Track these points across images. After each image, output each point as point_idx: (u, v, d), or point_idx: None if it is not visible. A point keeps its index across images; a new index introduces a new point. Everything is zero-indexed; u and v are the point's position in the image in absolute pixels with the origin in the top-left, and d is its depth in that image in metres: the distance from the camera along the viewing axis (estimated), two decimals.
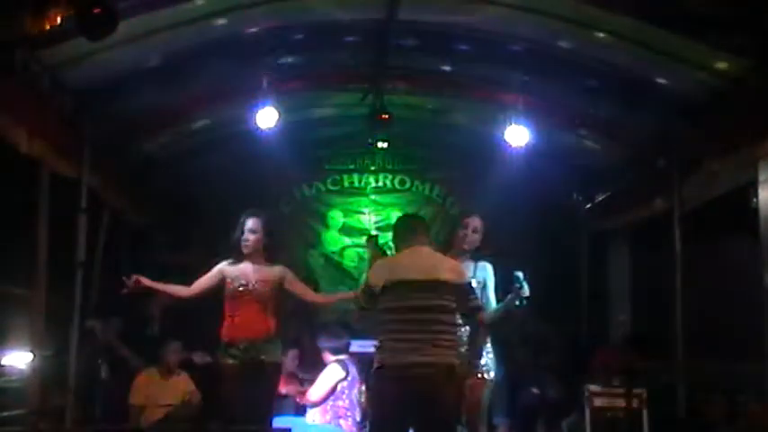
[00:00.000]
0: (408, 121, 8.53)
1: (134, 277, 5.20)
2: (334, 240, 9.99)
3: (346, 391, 6.23)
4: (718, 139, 6.14)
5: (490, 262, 5.16)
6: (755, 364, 5.68)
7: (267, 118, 7.14)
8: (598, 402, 6.71)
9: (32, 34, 5.08)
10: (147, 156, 8.16)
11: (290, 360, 6.66)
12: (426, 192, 10.02)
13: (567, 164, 9.11)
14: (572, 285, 9.25)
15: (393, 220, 9.07)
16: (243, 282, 5.25)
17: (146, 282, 5.24)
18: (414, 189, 10.05)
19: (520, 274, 4.84)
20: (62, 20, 4.95)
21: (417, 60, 7.33)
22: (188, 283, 5.41)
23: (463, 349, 4.69)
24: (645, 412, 6.56)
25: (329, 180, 10.04)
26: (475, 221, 5.16)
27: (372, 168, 10.06)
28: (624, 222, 8.56)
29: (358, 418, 6.26)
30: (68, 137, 6.39)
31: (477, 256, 5.12)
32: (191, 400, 6.71)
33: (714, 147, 6.20)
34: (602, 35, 6.09)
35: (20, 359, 6.14)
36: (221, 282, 5.30)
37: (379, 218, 9.98)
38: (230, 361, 5.20)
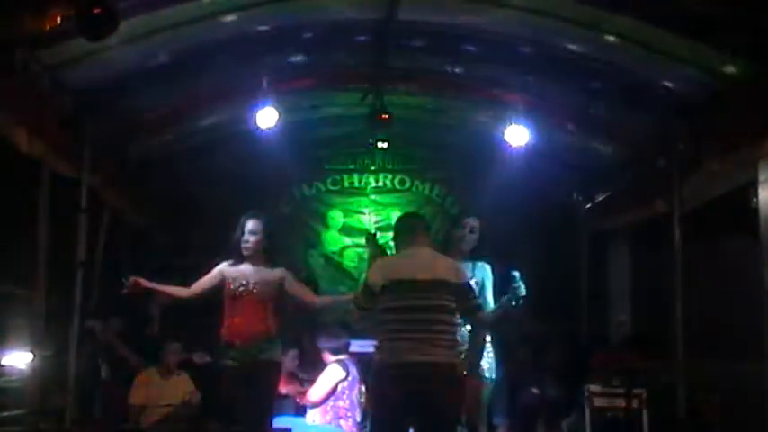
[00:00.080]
0: (408, 121, 8.53)
1: (133, 278, 5.19)
2: (334, 240, 9.99)
3: (346, 392, 6.23)
4: (718, 139, 6.13)
5: (488, 262, 5.16)
6: (755, 364, 5.68)
7: (267, 118, 7.15)
8: (598, 402, 6.71)
9: (32, 34, 5.10)
10: (147, 156, 8.16)
11: (290, 360, 6.66)
12: (426, 192, 10.02)
13: (566, 164, 9.11)
14: (572, 285, 9.25)
15: (393, 220, 9.11)
16: (243, 283, 5.25)
17: (145, 283, 5.23)
18: (414, 189, 10.06)
19: (516, 274, 4.85)
20: (62, 20, 4.96)
21: (417, 60, 7.33)
22: (188, 283, 5.40)
23: (463, 349, 4.69)
24: (645, 412, 6.56)
25: (329, 180, 10.04)
26: (472, 222, 5.18)
27: (372, 168, 10.07)
28: (624, 222, 8.56)
29: (358, 419, 6.26)
30: (68, 137, 6.39)
31: (475, 256, 5.12)
32: (191, 400, 6.70)
33: (714, 147, 6.19)
34: (601, 35, 6.09)
35: (20, 359, 6.15)
36: (221, 283, 5.29)
37: (379, 218, 9.99)
38: (230, 362, 5.19)
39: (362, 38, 6.87)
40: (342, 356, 6.33)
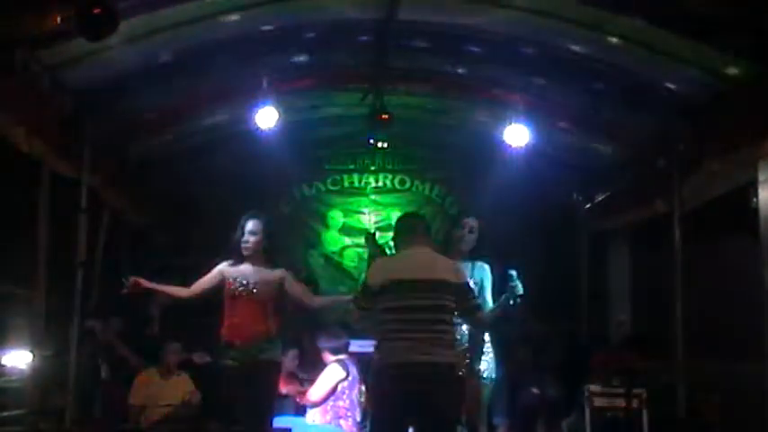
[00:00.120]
0: (408, 121, 8.53)
1: (132, 279, 5.19)
2: (334, 240, 9.99)
3: (347, 392, 6.23)
4: (718, 139, 6.13)
5: (488, 262, 5.16)
6: (755, 364, 5.68)
7: (267, 118, 7.15)
8: (598, 402, 6.71)
9: (32, 34, 5.10)
10: (147, 156, 8.16)
11: (290, 360, 6.66)
12: (426, 192, 10.02)
13: (566, 164, 9.11)
14: (572, 285, 9.25)
15: (393, 220, 9.11)
16: (243, 283, 5.25)
17: (144, 283, 5.23)
18: (414, 189, 10.05)
19: (513, 273, 4.86)
20: (62, 20, 4.96)
21: (417, 60, 7.33)
22: (188, 283, 5.41)
23: (463, 349, 4.69)
24: (645, 412, 6.55)
25: (329, 180, 10.04)
26: (471, 221, 5.18)
27: (372, 168, 10.06)
28: (624, 222, 8.56)
29: (358, 419, 6.26)
30: (68, 137, 6.38)
31: (474, 256, 5.12)
32: (191, 400, 6.70)
33: (714, 147, 6.19)
34: (603, 36, 6.09)
35: (20, 359, 6.15)
36: (221, 283, 5.29)
37: (379, 218, 9.98)
38: (230, 362, 5.19)
39: (362, 38, 6.86)
40: (342, 356, 6.33)
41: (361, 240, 9.37)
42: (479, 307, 4.59)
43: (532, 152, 7.92)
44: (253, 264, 5.32)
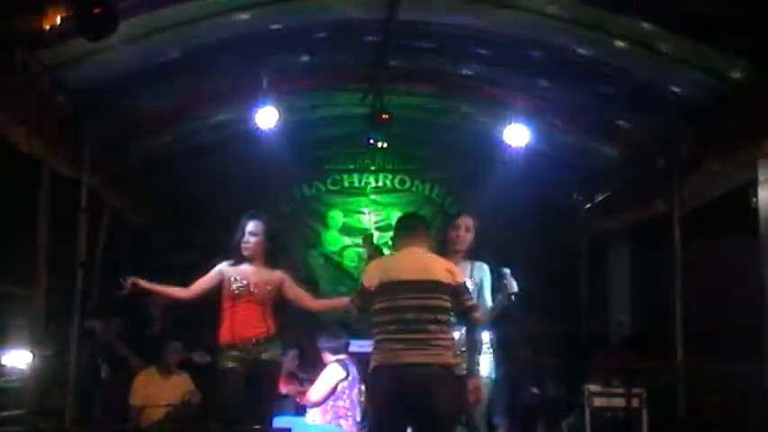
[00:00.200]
0: (408, 121, 8.53)
1: (131, 279, 5.19)
2: (334, 240, 9.99)
3: (347, 392, 6.23)
4: (718, 139, 6.13)
5: (487, 262, 5.15)
6: (755, 364, 5.69)
7: (267, 118, 7.14)
8: (598, 402, 6.70)
9: (32, 34, 5.09)
10: (147, 156, 8.16)
11: (290, 360, 6.66)
12: (426, 192, 10.02)
13: (567, 164, 9.11)
14: (572, 285, 9.25)
15: (393, 220, 9.12)
16: (243, 283, 5.25)
17: (143, 283, 5.24)
18: (414, 189, 10.05)
19: (507, 271, 4.85)
20: (62, 20, 4.96)
21: (417, 60, 7.33)
22: (188, 283, 5.41)
23: (461, 350, 4.67)
24: (645, 412, 6.55)
25: (329, 180, 10.04)
26: (467, 220, 5.12)
27: (372, 168, 10.06)
28: (624, 222, 8.55)
29: (358, 419, 6.26)
30: (68, 137, 6.39)
31: (473, 256, 5.10)
32: (191, 400, 6.70)
33: (714, 147, 6.20)
34: (603, 37, 6.09)
35: (20, 359, 6.15)
36: (221, 282, 5.29)
37: (379, 218, 9.98)
38: (230, 364, 5.18)
39: (363, 38, 6.86)
40: (342, 356, 6.33)
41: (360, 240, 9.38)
42: (476, 307, 4.58)
43: (532, 152, 7.92)
44: (253, 264, 5.32)
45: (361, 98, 7.60)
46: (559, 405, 7.46)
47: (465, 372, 4.58)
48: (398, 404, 4.28)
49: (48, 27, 5.01)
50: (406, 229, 4.69)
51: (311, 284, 7.70)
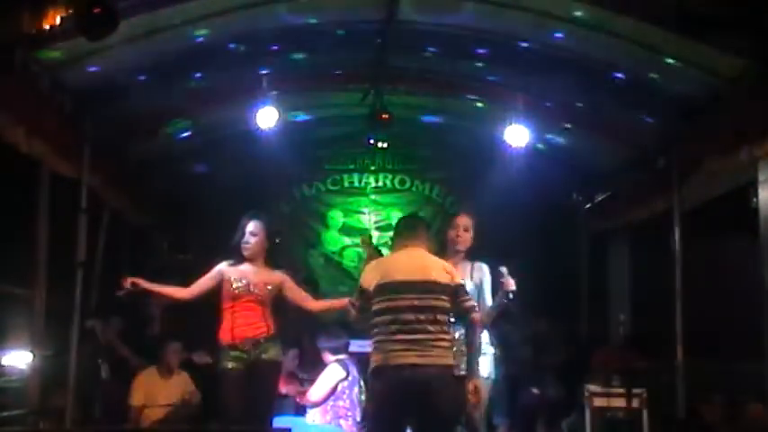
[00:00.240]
0: (408, 121, 8.53)
1: (130, 279, 5.19)
2: (333, 240, 9.99)
3: (347, 392, 6.23)
4: (718, 139, 6.13)
5: (487, 262, 5.14)
6: (755, 364, 5.69)
7: (267, 118, 7.14)
8: (598, 402, 6.70)
9: (32, 34, 5.09)
10: (147, 156, 8.16)
11: (290, 360, 6.66)
12: (426, 192, 10.02)
13: (567, 164, 9.11)
14: (572, 285, 9.26)
15: (393, 220, 9.13)
16: (243, 282, 5.25)
17: (142, 283, 5.23)
18: (414, 189, 10.05)
19: (504, 269, 4.85)
20: (62, 20, 4.96)
21: (417, 60, 7.33)
22: (187, 283, 5.41)
23: (460, 350, 4.67)
24: (645, 412, 6.55)
25: (329, 180, 10.04)
26: (464, 220, 5.09)
27: (372, 168, 10.06)
28: (624, 222, 8.56)
29: (358, 419, 6.26)
30: (68, 137, 6.38)
31: (473, 256, 5.09)
32: (191, 400, 6.70)
33: (714, 147, 6.19)
34: (602, 35, 6.10)
35: (20, 359, 6.15)
36: (220, 282, 5.29)
37: (379, 218, 9.99)
38: (230, 364, 5.18)
39: (362, 38, 6.86)
40: (342, 356, 6.32)
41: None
42: (474, 308, 4.57)
43: (532, 152, 7.92)
44: (253, 264, 5.32)
45: (361, 98, 7.60)
46: (559, 405, 7.46)
47: (464, 372, 4.58)
48: (398, 405, 4.28)
49: (48, 27, 5.00)
50: (406, 230, 4.69)
51: (311, 284, 7.70)
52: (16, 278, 6.12)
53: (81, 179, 6.70)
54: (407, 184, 10.07)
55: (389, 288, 4.36)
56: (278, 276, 5.36)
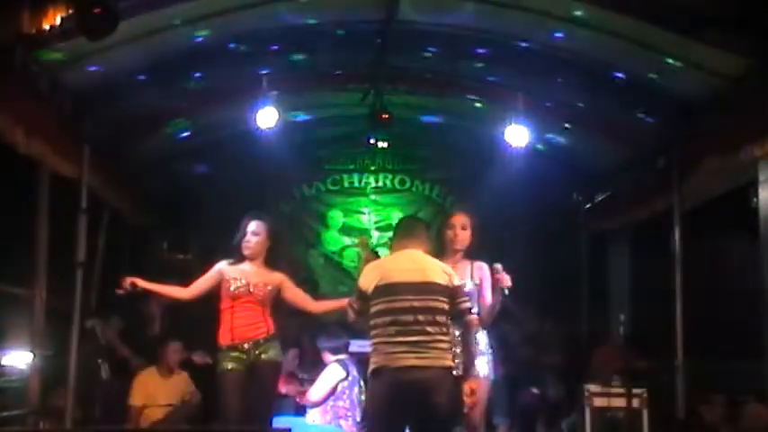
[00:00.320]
0: (408, 121, 8.53)
1: (129, 279, 5.19)
2: (333, 240, 9.99)
3: (347, 392, 6.22)
4: (718, 139, 6.14)
5: (487, 262, 5.13)
6: (755, 364, 5.69)
7: (267, 118, 7.14)
8: (598, 402, 6.70)
9: (32, 34, 5.09)
10: (147, 156, 8.16)
11: (290, 360, 6.66)
12: (426, 192, 10.02)
13: (567, 164, 9.12)
14: (572, 285, 9.25)
15: (393, 220, 9.13)
16: (243, 282, 5.25)
17: (142, 283, 5.23)
18: (414, 189, 10.05)
19: (499, 266, 4.84)
20: (62, 20, 4.96)
21: (417, 60, 7.33)
22: (187, 283, 5.41)
23: (458, 350, 4.66)
24: (645, 412, 6.55)
25: (329, 180, 10.04)
26: (461, 218, 5.06)
27: (372, 168, 10.06)
28: (624, 222, 8.56)
29: (358, 419, 6.25)
30: (68, 137, 6.38)
31: (473, 256, 5.08)
32: (191, 400, 6.70)
33: (714, 147, 6.20)
34: (602, 35, 6.10)
35: (20, 359, 6.15)
36: (220, 281, 5.29)
37: (379, 218, 9.98)
38: (230, 365, 5.17)
39: (362, 38, 6.86)
40: (342, 356, 6.32)
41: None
42: (471, 310, 4.57)
43: (532, 152, 7.92)
44: (253, 264, 5.32)
45: (361, 98, 7.59)
46: (559, 405, 7.46)
47: (461, 372, 4.57)
48: (397, 406, 4.28)
49: (48, 27, 5.01)
50: (405, 232, 4.68)
51: (311, 285, 7.70)
52: (16, 278, 6.12)
53: (81, 179, 6.70)
54: (407, 184, 10.06)
55: (388, 289, 4.36)
56: (277, 276, 5.36)
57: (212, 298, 5.33)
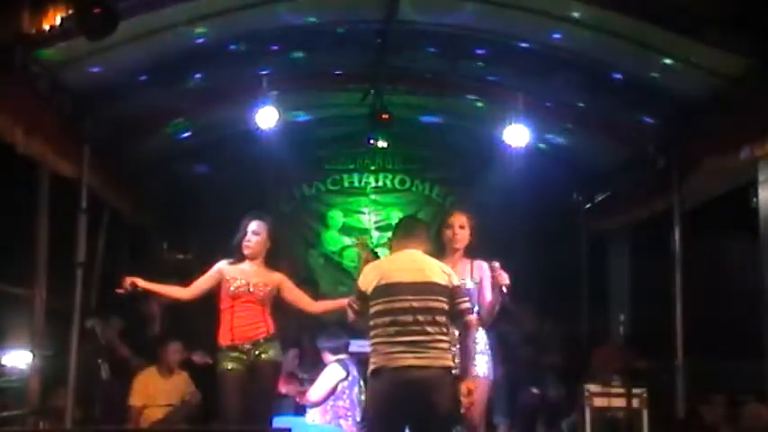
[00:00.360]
0: (408, 121, 8.53)
1: (129, 279, 5.19)
2: (333, 240, 9.99)
3: (346, 392, 6.23)
4: (718, 139, 6.14)
5: (486, 260, 5.13)
6: (755, 364, 5.69)
7: (267, 118, 7.14)
8: (598, 402, 6.70)
9: (32, 34, 5.09)
10: (147, 156, 8.16)
11: (290, 360, 6.66)
12: (426, 192, 10.01)
13: (567, 164, 9.12)
14: (572, 285, 9.25)
15: (393, 220, 9.13)
16: (242, 282, 5.25)
17: (142, 283, 5.23)
18: (414, 189, 10.04)
19: (497, 264, 4.84)
20: (62, 20, 4.96)
21: (417, 60, 7.33)
22: (187, 283, 5.41)
23: (456, 350, 4.66)
24: (645, 412, 6.55)
25: (329, 180, 10.03)
26: (460, 218, 5.07)
27: (372, 168, 10.05)
28: (624, 222, 8.56)
29: (358, 419, 6.25)
30: (68, 137, 6.38)
31: (472, 256, 5.08)
32: (191, 400, 6.71)
33: (714, 147, 6.20)
34: (602, 35, 6.10)
35: (20, 359, 6.15)
36: (220, 281, 5.29)
37: (379, 218, 9.98)
38: (230, 365, 5.17)
39: (362, 38, 6.86)
40: (342, 356, 6.32)
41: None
42: (470, 310, 4.56)
43: (532, 152, 7.92)
44: (252, 264, 5.32)
45: (361, 98, 7.60)
46: (559, 405, 7.46)
47: (459, 372, 4.57)
48: (397, 406, 4.28)
49: (48, 27, 5.01)
50: (405, 232, 4.68)
51: (311, 285, 7.70)
52: (16, 278, 6.12)
53: (81, 179, 6.70)
54: (407, 184, 10.06)
55: (388, 290, 4.36)
56: (277, 277, 5.36)
57: (212, 298, 5.33)
